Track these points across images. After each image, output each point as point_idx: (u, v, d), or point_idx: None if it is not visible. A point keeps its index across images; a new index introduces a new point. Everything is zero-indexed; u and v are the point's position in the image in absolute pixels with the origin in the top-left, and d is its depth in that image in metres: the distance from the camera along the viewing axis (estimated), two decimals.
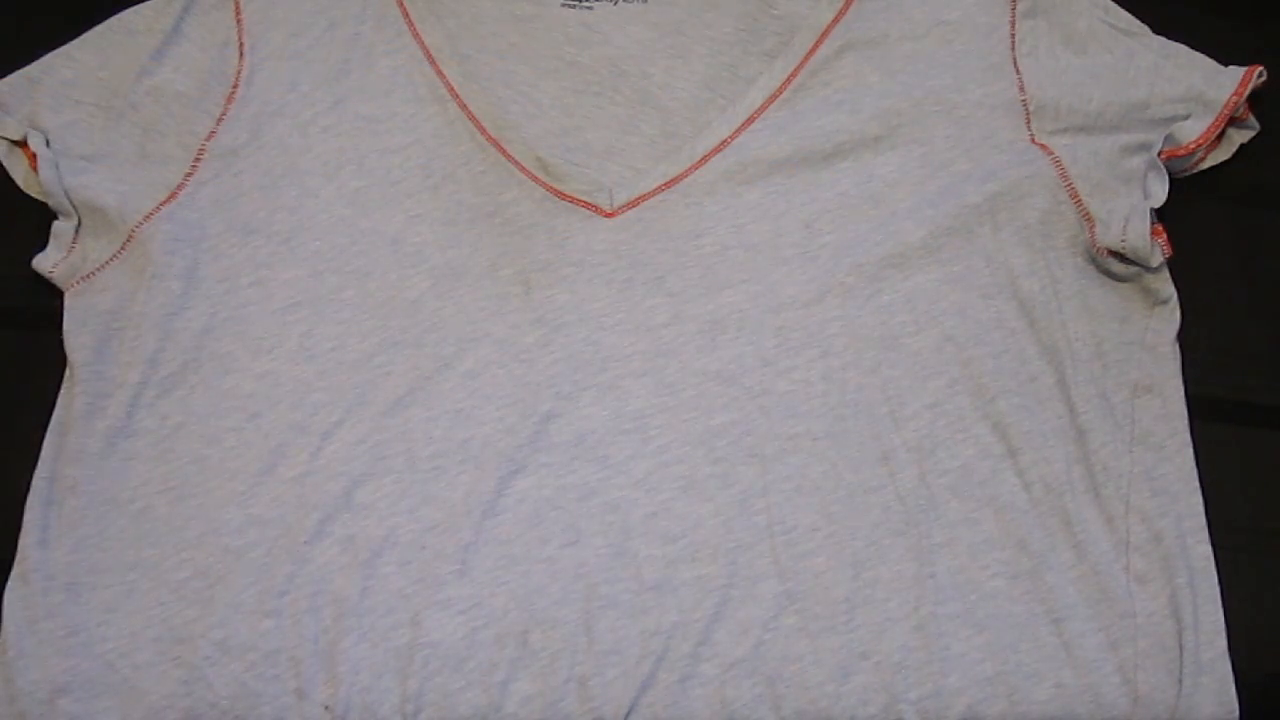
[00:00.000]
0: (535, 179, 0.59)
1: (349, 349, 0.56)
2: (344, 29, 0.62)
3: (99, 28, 0.61)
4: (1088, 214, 0.57)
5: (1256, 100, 0.60)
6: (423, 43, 0.62)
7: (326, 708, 0.49)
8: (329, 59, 0.61)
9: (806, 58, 0.61)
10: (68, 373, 0.55)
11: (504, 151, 0.59)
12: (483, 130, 0.60)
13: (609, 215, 0.58)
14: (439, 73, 0.61)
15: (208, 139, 0.59)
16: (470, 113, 0.60)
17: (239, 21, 0.62)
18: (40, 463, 0.54)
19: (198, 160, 0.59)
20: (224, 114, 0.60)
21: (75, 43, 0.61)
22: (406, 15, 0.62)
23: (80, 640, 0.50)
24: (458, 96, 0.61)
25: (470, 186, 0.59)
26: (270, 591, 0.51)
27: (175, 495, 0.53)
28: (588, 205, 0.58)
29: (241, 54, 0.61)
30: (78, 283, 0.57)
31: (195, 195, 0.58)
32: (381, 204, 0.59)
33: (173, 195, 0.58)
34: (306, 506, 0.52)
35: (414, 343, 0.56)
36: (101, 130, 0.59)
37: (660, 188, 0.59)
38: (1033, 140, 0.58)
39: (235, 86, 0.60)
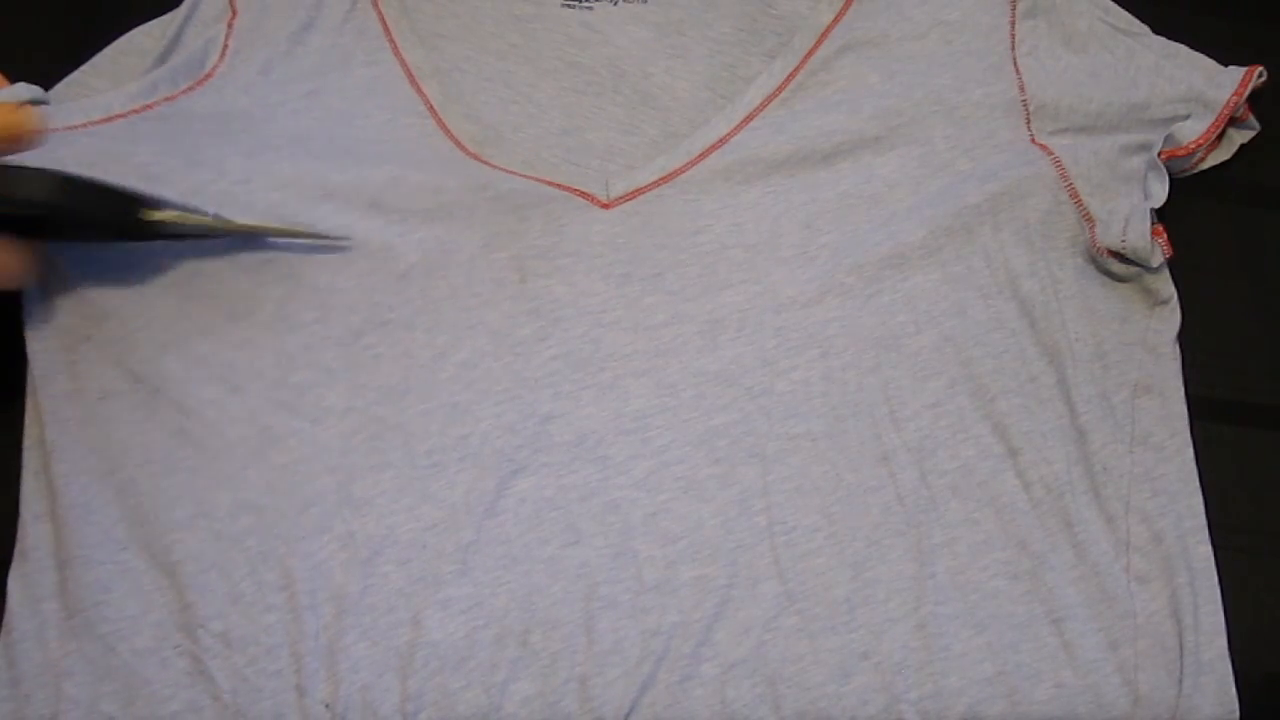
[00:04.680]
0: (525, 176, 0.58)
1: (333, 323, 0.55)
2: (324, 38, 0.62)
3: (110, 50, 0.61)
4: (1088, 214, 0.57)
5: (1256, 100, 0.61)
6: (402, 58, 0.62)
7: (327, 705, 0.49)
8: (304, 61, 0.61)
9: (806, 57, 0.61)
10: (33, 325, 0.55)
11: (486, 163, 0.59)
12: (461, 146, 0.60)
13: (605, 206, 0.58)
14: (419, 91, 0.61)
15: (163, 101, 0.59)
16: (449, 131, 0.60)
17: (230, 26, 0.61)
18: (26, 426, 0.53)
19: (147, 108, 0.58)
20: (189, 89, 0.59)
21: (87, 67, 0.61)
22: (387, 31, 0.62)
23: (80, 621, 0.50)
24: (435, 113, 0.60)
25: (459, 177, 0.58)
26: (270, 585, 0.51)
27: (159, 469, 0.52)
28: (583, 195, 0.58)
29: (223, 54, 0.60)
30: None
31: (133, 124, 0.57)
32: (355, 164, 0.57)
33: (106, 119, 0.57)
34: (302, 498, 0.52)
35: (404, 324, 0.55)
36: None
37: (657, 181, 0.58)
38: (1033, 140, 0.58)
39: (208, 76, 0.60)
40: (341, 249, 0.56)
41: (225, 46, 0.61)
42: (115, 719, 0.49)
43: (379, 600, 0.50)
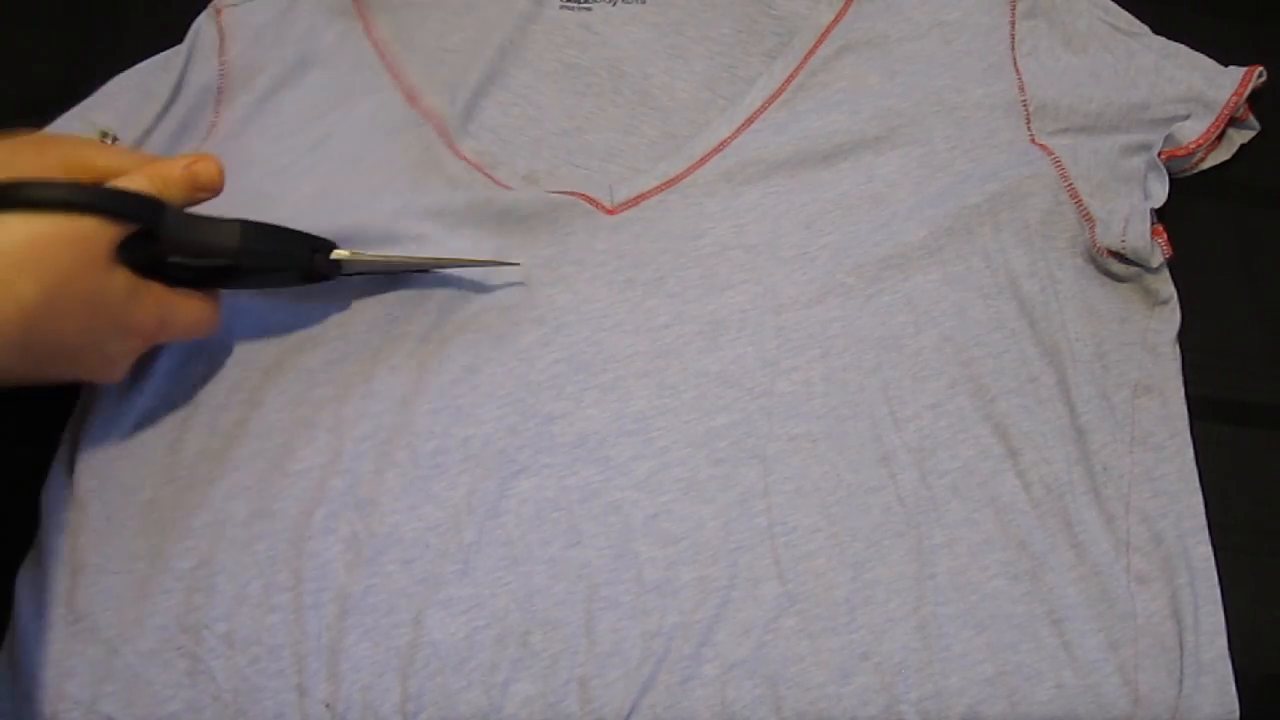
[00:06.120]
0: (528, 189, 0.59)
1: (353, 339, 0.56)
2: (321, 72, 0.62)
3: (113, 85, 0.61)
4: (1088, 214, 0.57)
5: (1256, 100, 0.60)
6: (401, 80, 0.62)
7: (327, 705, 0.49)
8: (303, 102, 0.61)
9: (806, 58, 0.61)
10: None
11: (490, 175, 0.59)
12: (464, 157, 0.60)
13: (610, 213, 0.58)
14: (419, 109, 0.61)
15: None
16: (452, 144, 0.60)
17: (223, 63, 0.62)
18: (61, 446, 0.54)
19: None
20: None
21: (90, 102, 0.61)
22: (382, 55, 0.62)
23: (86, 625, 0.51)
24: (438, 127, 0.60)
25: (463, 196, 0.59)
26: (275, 586, 0.51)
27: (182, 485, 0.53)
28: (588, 199, 0.58)
29: (219, 105, 0.61)
30: None
31: None
32: (368, 203, 0.58)
33: None
34: (311, 501, 0.52)
35: (419, 336, 0.56)
36: None
37: (660, 187, 0.59)
38: (1033, 140, 0.58)
39: (205, 140, 0.61)
40: (513, 269, 0.56)
41: (220, 93, 0.61)
42: (114, 719, 0.49)
43: (381, 600, 0.51)
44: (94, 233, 0.46)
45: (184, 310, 0.51)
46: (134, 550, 0.52)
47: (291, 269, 0.54)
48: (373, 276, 0.57)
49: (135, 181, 0.49)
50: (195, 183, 0.51)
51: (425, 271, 0.57)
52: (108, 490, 0.53)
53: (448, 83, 0.62)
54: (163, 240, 0.49)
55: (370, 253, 0.55)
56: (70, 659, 0.50)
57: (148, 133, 0.60)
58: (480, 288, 0.57)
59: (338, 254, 0.54)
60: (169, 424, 0.55)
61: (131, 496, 0.53)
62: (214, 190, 0.52)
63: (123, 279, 0.48)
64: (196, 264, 0.51)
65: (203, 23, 0.63)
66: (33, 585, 0.52)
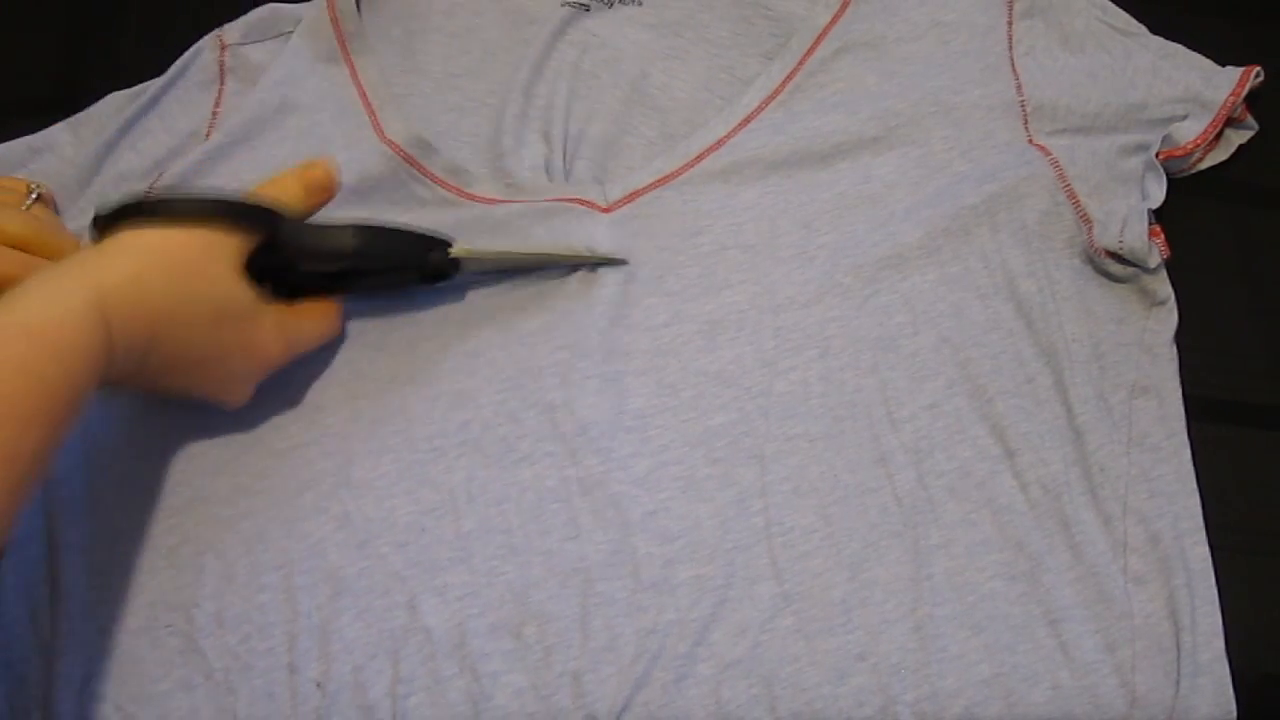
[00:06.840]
0: (519, 201, 0.59)
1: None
2: (302, 118, 0.62)
3: (106, 103, 0.62)
4: (1085, 215, 0.57)
5: (1254, 100, 0.60)
6: (380, 124, 0.61)
7: (318, 684, 0.49)
8: (282, 148, 0.61)
9: (804, 59, 0.61)
10: None
11: (474, 197, 0.59)
12: (443, 184, 0.60)
13: (605, 210, 0.58)
14: (393, 146, 0.60)
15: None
16: (427, 171, 0.60)
17: (215, 114, 0.62)
18: None
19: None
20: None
21: (81, 115, 0.62)
22: (368, 104, 0.62)
23: (74, 604, 0.51)
24: (417, 165, 0.60)
25: (452, 216, 0.58)
26: (264, 565, 0.51)
27: (157, 461, 0.53)
28: (582, 203, 0.58)
29: (208, 137, 0.61)
30: None
31: None
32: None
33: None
34: (299, 482, 0.53)
35: (409, 320, 0.56)
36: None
37: (655, 184, 0.59)
38: (1030, 141, 0.58)
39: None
40: (622, 265, 0.57)
41: (208, 137, 0.61)
42: (107, 697, 0.49)
43: (375, 582, 0.51)
44: (221, 244, 0.48)
45: (307, 324, 0.53)
46: (115, 526, 0.52)
47: (410, 268, 0.54)
48: None
49: (259, 193, 0.51)
50: (311, 187, 0.53)
51: (540, 269, 0.57)
52: (77, 469, 0.53)
53: (452, 105, 0.62)
54: (282, 248, 0.50)
55: (488, 248, 0.55)
56: (60, 638, 0.50)
57: (110, 150, 0.60)
58: (478, 278, 0.57)
59: (455, 251, 0.54)
60: (134, 399, 0.54)
61: (104, 473, 0.53)
62: (329, 193, 0.54)
63: (248, 295, 0.49)
64: (319, 269, 0.52)
65: (205, 55, 0.63)
66: (15, 570, 0.52)
